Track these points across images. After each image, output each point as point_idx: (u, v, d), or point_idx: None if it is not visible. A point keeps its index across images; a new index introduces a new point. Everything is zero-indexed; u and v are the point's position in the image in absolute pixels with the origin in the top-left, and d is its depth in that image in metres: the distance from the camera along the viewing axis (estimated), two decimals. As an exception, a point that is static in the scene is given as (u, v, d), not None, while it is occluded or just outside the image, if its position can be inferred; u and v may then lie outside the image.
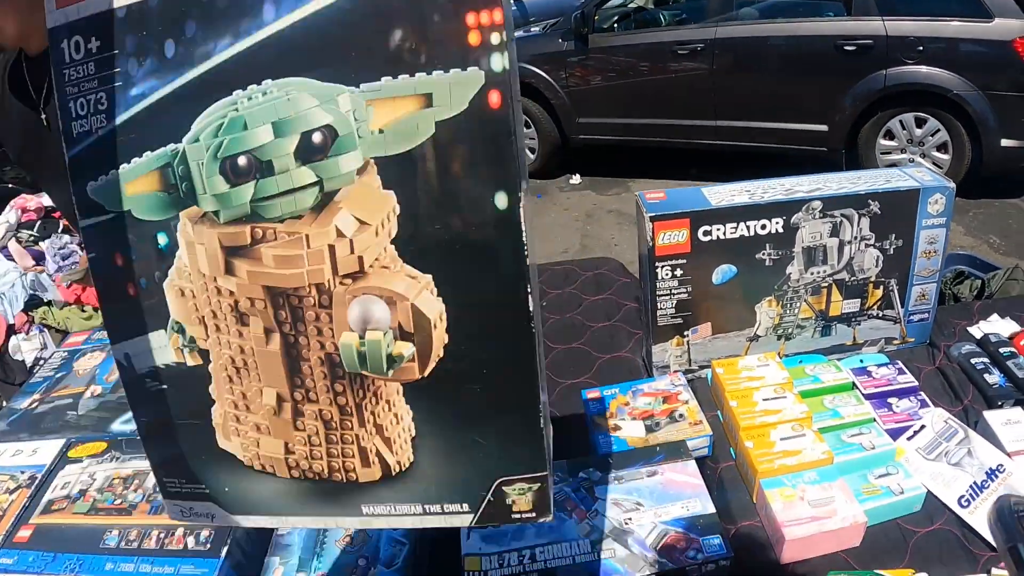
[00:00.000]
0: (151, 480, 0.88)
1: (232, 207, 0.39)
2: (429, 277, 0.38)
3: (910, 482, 0.86)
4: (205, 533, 0.87)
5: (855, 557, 0.81)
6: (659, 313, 1.01)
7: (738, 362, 1.02)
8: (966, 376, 1.06)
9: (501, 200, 0.36)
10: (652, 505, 0.84)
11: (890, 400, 0.99)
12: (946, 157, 3.33)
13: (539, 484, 0.43)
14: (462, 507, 0.44)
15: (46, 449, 1.05)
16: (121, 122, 0.40)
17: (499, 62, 0.35)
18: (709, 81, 3.71)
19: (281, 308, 0.40)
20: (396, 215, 0.38)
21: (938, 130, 3.42)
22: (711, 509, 0.82)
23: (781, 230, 0.96)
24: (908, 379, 1.02)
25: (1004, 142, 3.24)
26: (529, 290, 0.39)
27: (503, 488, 0.43)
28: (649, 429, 0.96)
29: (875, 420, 0.95)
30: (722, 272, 0.99)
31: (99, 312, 1.37)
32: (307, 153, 0.38)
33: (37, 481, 0.99)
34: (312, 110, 0.37)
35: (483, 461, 0.43)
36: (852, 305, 1.04)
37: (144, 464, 0.84)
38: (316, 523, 0.57)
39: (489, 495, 0.43)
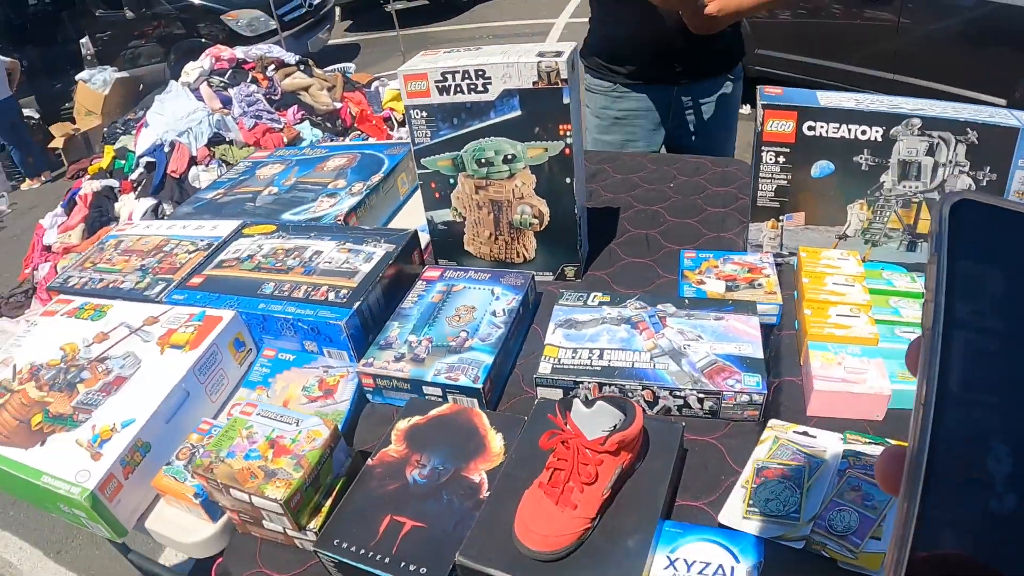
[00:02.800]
0: (308, 252, 1.07)
1: (479, 175, 1.17)
2: (544, 200, 1.17)
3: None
4: (344, 291, 0.96)
5: (875, 429, 0.82)
6: (759, 194, 1.09)
7: (821, 252, 1.05)
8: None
9: (568, 179, 1.13)
10: (711, 340, 0.90)
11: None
12: None
13: (577, 267, 1.24)
14: (549, 274, 1.26)
15: (224, 226, 1.15)
16: (434, 142, 1.15)
17: (569, 140, 1.09)
18: (895, 33, 3.51)
19: (494, 205, 1.20)
20: (534, 182, 1.15)
21: None
22: (760, 355, 0.87)
23: (880, 139, 0.98)
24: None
25: None
26: (576, 210, 1.16)
27: (564, 267, 1.25)
28: (728, 288, 1.03)
29: None
30: (820, 167, 1.02)
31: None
32: (509, 161, 1.14)
33: (213, 247, 1.09)
34: (507, 148, 1.12)
35: (558, 256, 1.24)
36: None
37: (304, 241, 1.10)
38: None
39: (559, 269, 1.25)
